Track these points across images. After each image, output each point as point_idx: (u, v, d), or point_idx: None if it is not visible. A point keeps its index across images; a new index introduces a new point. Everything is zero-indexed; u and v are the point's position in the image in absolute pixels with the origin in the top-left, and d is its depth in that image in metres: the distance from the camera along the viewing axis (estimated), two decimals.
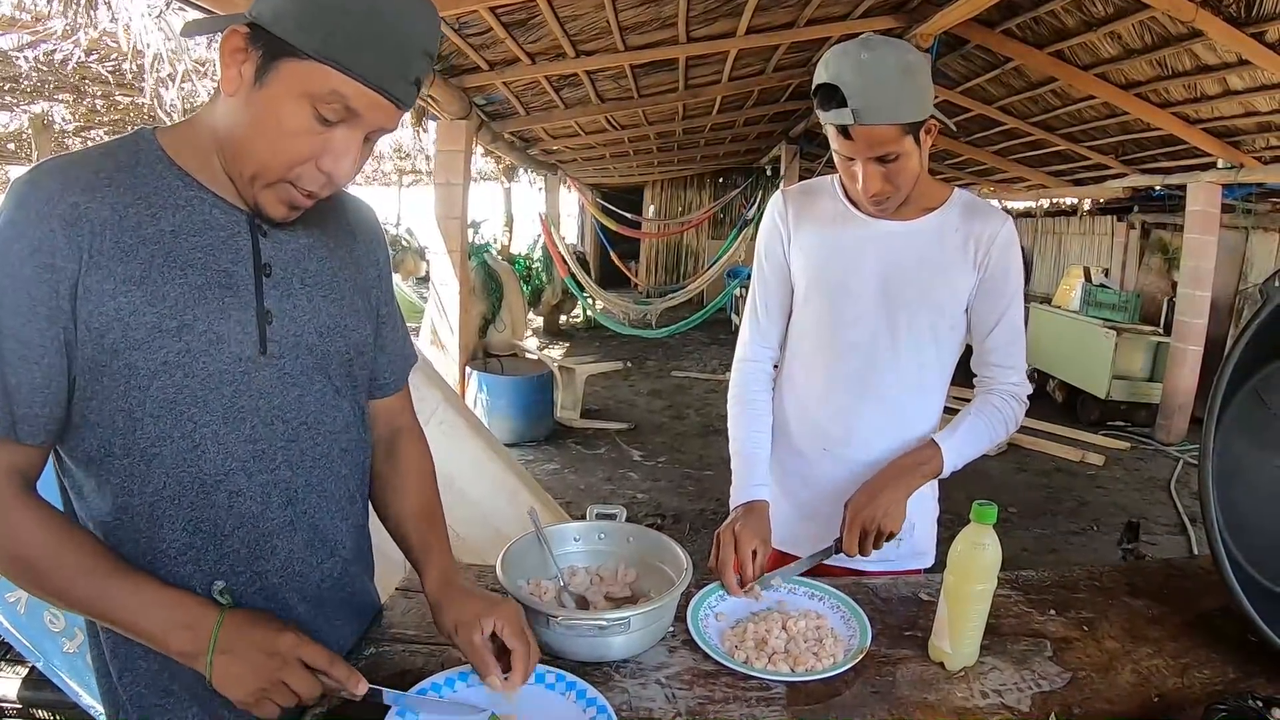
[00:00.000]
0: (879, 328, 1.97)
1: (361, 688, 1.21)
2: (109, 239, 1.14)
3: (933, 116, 1.83)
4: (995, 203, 15.29)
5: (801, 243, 2.05)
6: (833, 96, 1.73)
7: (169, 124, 1.29)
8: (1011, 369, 2.03)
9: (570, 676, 1.38)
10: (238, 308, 1.23)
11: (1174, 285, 9.86)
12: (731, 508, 1.97)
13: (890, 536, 1.87)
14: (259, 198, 1.21)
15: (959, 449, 1.95)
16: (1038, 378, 10.72)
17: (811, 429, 2.09)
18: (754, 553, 1.81)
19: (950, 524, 6.04)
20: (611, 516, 1.80)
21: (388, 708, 1.26)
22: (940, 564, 2.11)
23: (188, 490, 1.23)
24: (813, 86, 1.80)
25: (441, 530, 1.54)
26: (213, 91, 1.27)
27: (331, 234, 1.39)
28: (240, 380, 1.24)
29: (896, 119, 1.74)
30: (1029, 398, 2.03)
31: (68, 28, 5.27)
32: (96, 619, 1.21)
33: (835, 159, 1.90)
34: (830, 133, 1.82)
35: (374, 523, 1.56)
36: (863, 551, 1.84)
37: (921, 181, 1.95)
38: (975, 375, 2.09)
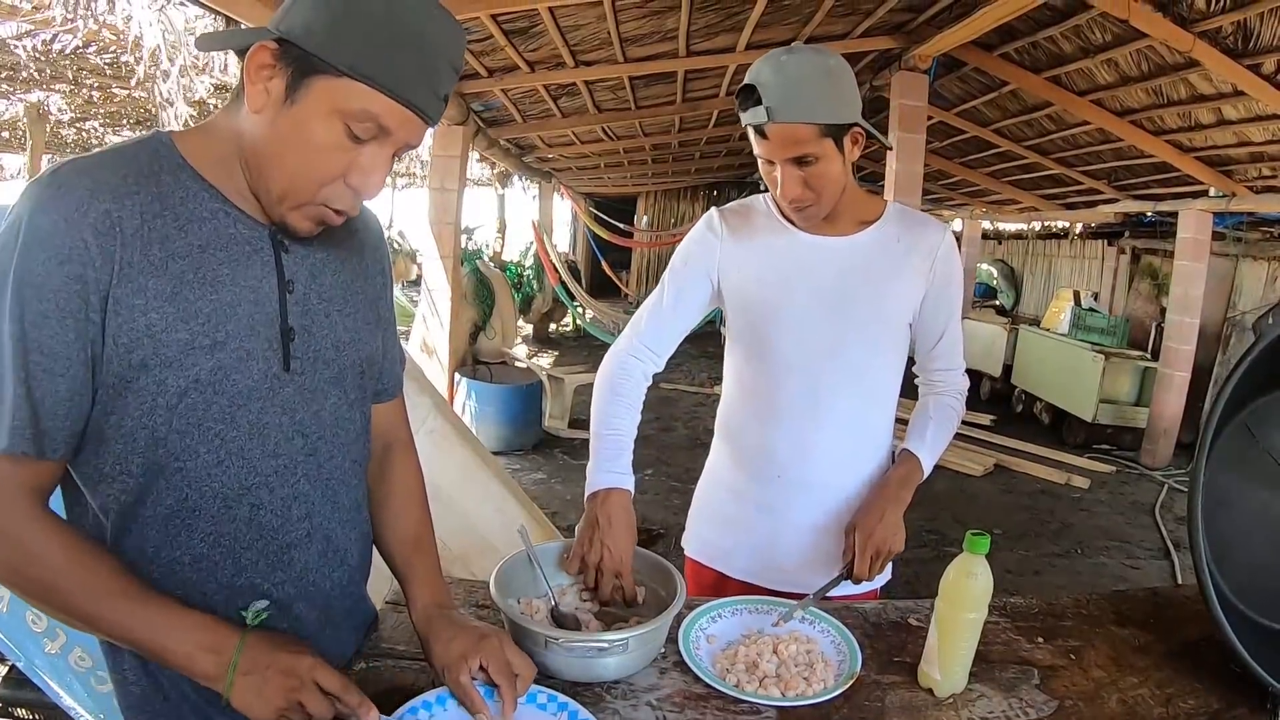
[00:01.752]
0: (826, 345, 1.95)
1: (371, 717, 1.20)
2: (139, 251, 1.11)
3: (858, 125, 1.82)
4: (991, 222, 15.37)
5: (738, 262, 2.00)
6: (749, 96, 1.74)
7: (181, 128, 1.27)
8: (955, 370, 2.10)
9: (562, 697, 1.38)
10: (264, 324, 1.22)
11: (1163, 311, 9.91)
12: (588, 493, 1.84)
13: (891, 555, 1.89)
14: (287, 217, 1.20)
15: (931, 454, 2.02)
16: (1025, 399, 10.77)
17: (764, 456, 2.05)
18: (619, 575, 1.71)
19: (935, 544, 6.03)
20: None
21: None
22: (896, 584, 2.11)
23: (209, 504, 1.22)
24: (737, 89, 1.79)
25: (430, 555, 1.54)
26: (228, 99, 1.26)
27: (343, 247, 1.38)
28: (266, 396, 1.24)
29: (811, 118, 1.73)
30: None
31: (67, 17, 5.27)
32: (119, 641, 1.19)
33: (759, 165, 1.89)
34: (750, 135, 1.82)
35: None
36: (870, 575, 1.85)
37: (852, 194, 1.96)
38: (918, 378, 2.14)
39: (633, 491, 1.85)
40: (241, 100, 1.18)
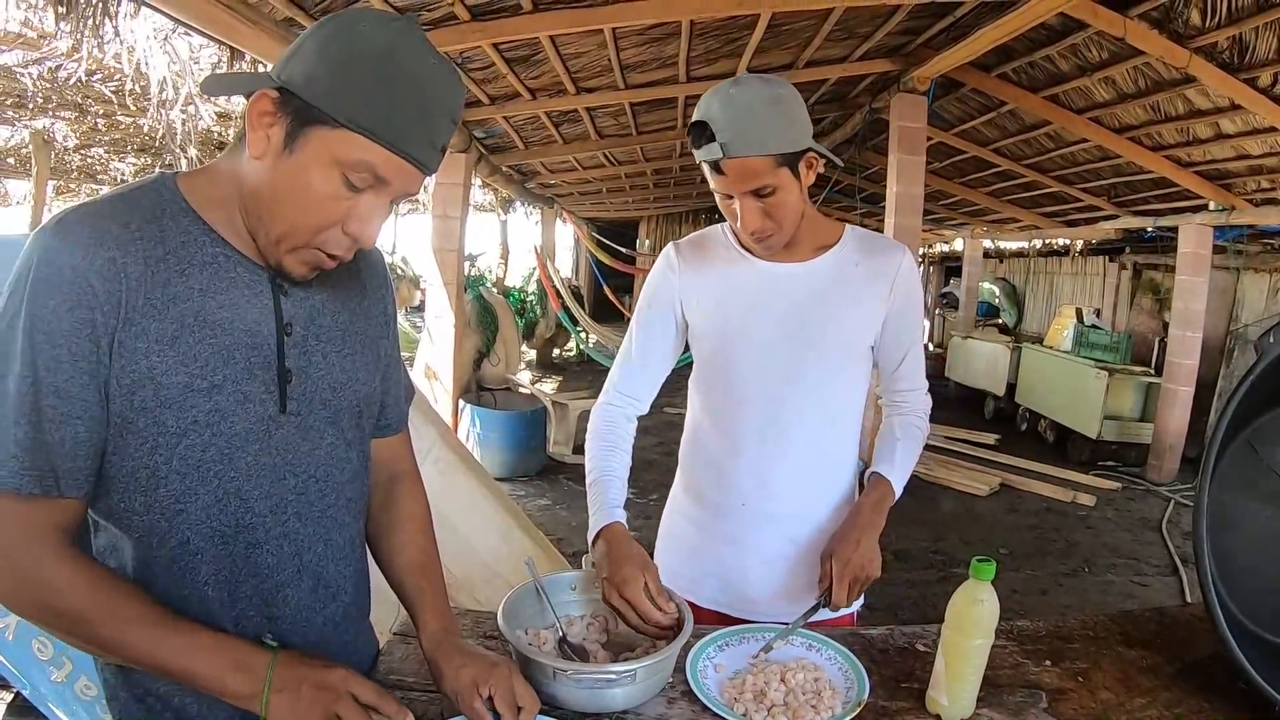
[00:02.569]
0: (786, 372, 1.95)
1: None
2: (142, 295, 1.14)
3: (812, 150, 1.82)
4: (992, 241, 15.41)
5: (697, 293, 2.02)
6: (702, 133, 1.74)
7: (186, 164, 1.29)
8: (919, 391, 2.10)
9: None
10: (261, 367, 1.25)
11: (1165, 326, 9.94)
12: (590, 537, 1.86)
13: (869, 581, 1.88)
14: (283, 259, 1.22)
15: (901, 476, 2.01)
16: (1029, 417, 10.77)
17: (728, 486, 2.05)
18: (648, 588, 1.70)
19: (942, 565, 6.01)
20: None
21: None
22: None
23: (210, 543, 1.25)
24: (688, 126, 1.80)
25: (437, 582, 1.55)
26: (232, 141, 1.28)
27: (343, 288, 1.40)
28: (263, 438, 1.26)
29: (766, 150, 1.73)
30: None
31: (73, 47, 5.32)
32: (148, 668, 1.20)
33: (716, 199, 1.89)
34: (706, 172, 1.82)
35: (373, 565, 1.58)
36: (848, 602, 1.85)
37: (811, 220, 1.96)
38: (881, 398, 2.13)
39: (623, 519, 1.87)
40: (244, 145, 1.20)
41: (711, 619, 2.01)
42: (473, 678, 1.34)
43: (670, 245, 2.09)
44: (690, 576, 2.10)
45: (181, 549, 1.23)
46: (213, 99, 6.23)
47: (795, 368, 1.94)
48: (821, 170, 1.91)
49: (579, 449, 8.71)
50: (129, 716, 1.33)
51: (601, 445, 2.04)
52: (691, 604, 2.05)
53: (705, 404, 2.09)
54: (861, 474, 2.08)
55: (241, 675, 1.18)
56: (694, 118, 1.76)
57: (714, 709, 1.50)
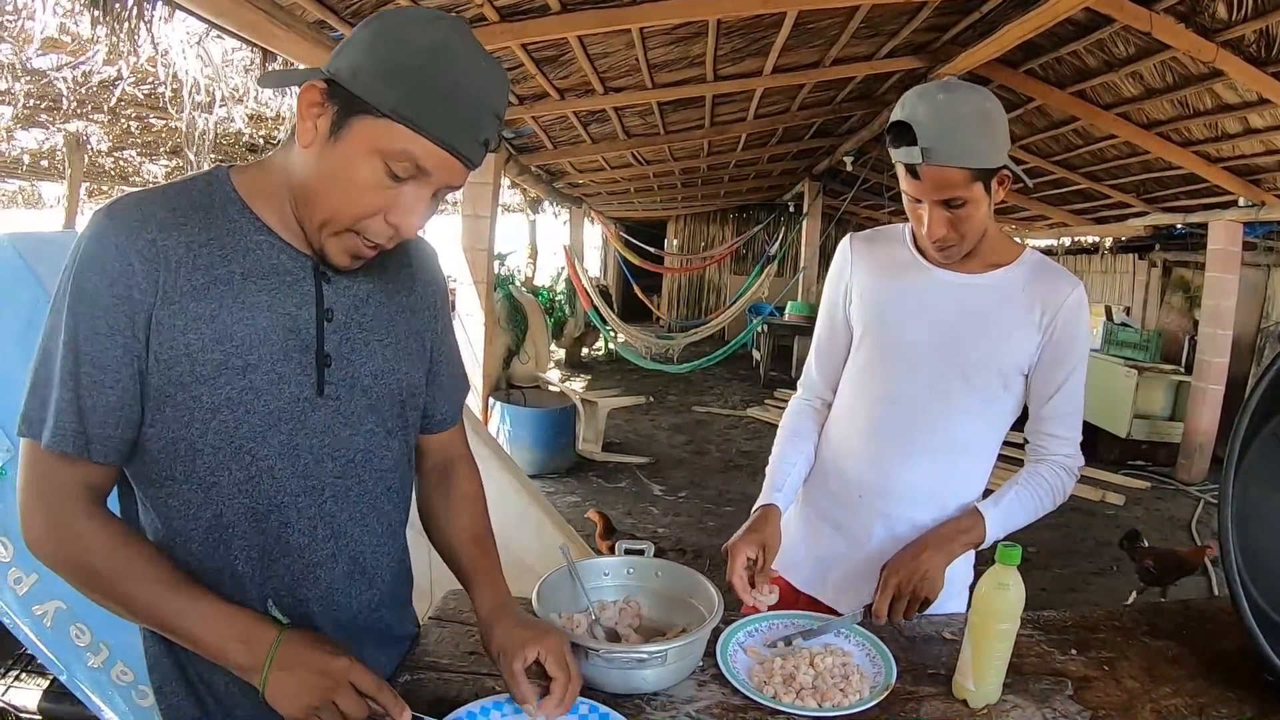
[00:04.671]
0: (932, 380, 1.91)
1: (405, 716, 1.24)
2: (183, 276, 1.19)
3: (1006, 169, 1.78)
4: (1020, 239, 15.24)
5: (861, 287, 2.01)
6: (904, 134, 1.70)
7: (241, 164, 1.34)
8: (1066, 440, 2.02)
9: (603, 708, 1.41)
10: (299, 350, 1.28)
11: (1195, 324, 9.83)
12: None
13: (926, 604, 1.84)
14: (326, 245, 1.26)
15: (1003, 520, 1.92)
16: None
17: (847, 476, 2.04)
18: (751, 559, 1.85)
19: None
20: (640, 552, 1.83)
21: None
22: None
23: (242, 519, 1.29)
24: (888, 123, 1.76)
25: (493, 555, 1.58)
26: (284, 138, 1.33)
27: (391, 279, 1.43)
28: (297, 419, 1.29)
29: (966, 162, 1.69)
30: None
31: (111, 53, 5.40)
32: (156, 628, 1.26)
33: (904, 200, 1.86)
34: (899, 172, 1.78)
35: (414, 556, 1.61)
36: (892, 617, 1.82)
37: (991, 236, 1.90)
38: (1027, 441, 2.05)
39: (779, 502, 2.00)
40: (295, 138, 1.25)
41: (806, 603, 2.03)
42: (523, 640, 1.36)
43: (847, 236, 2.09)
44: (793, 558, 2.10)
45: (215, 522, 1.28)
46: (245, 103, 6.29)
47: (939, 378, 1.91)
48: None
49: (608, 446, 8.76)
50: (169, 687, 1.37)
51: (782, 433, 2.16)
52: (787, 584, 2.11)
53: (848, 393, 2.08)
54: None
55: (245, 647, 1.21)
56: (895, 116, 1.73)
57: (744, 691, 1.52)
